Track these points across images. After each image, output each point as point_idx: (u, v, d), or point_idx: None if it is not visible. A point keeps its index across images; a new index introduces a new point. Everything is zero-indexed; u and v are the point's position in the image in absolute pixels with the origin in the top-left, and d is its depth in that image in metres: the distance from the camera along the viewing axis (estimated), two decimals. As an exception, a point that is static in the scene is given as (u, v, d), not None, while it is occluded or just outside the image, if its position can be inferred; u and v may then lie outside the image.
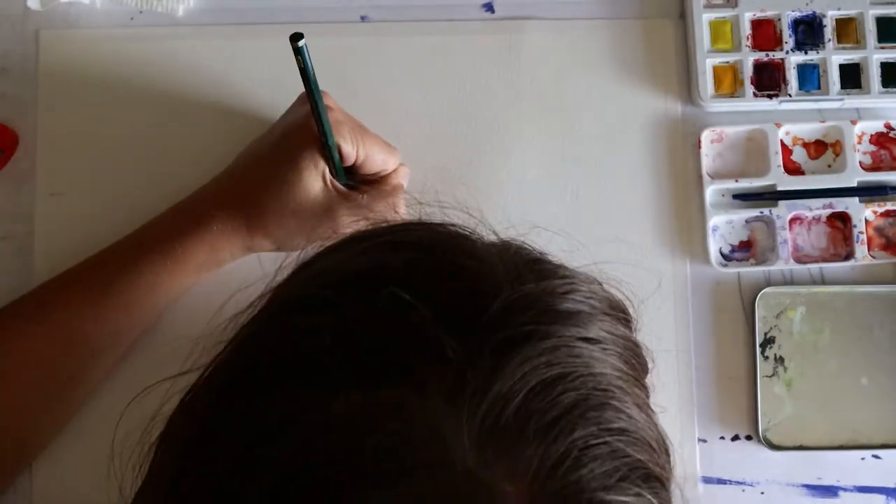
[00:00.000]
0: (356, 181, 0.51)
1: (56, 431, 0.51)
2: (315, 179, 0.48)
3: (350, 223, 0.48)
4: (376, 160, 0.51)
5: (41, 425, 0.50)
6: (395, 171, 0.52)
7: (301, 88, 0.47)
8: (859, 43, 0.58)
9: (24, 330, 0.49)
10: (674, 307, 0.56)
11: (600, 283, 0.36)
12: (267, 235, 0.50)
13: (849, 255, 0.57)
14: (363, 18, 0.59)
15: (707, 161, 0.58)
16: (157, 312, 0.51)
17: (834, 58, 0.58)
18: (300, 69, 0.45)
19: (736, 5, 0.58)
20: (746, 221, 0.58)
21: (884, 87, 0.58)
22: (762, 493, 0.55)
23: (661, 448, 0.33)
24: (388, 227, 0.36)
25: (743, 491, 0.55)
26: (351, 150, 0.49)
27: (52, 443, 0.53)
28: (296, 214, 0.48)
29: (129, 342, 0.51)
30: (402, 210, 0.50)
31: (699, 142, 0.58)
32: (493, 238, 0.36)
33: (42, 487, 0.54)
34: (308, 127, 0.48)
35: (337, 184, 0.50)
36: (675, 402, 0.56)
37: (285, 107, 0.58)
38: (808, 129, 0.58)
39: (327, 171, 0.49)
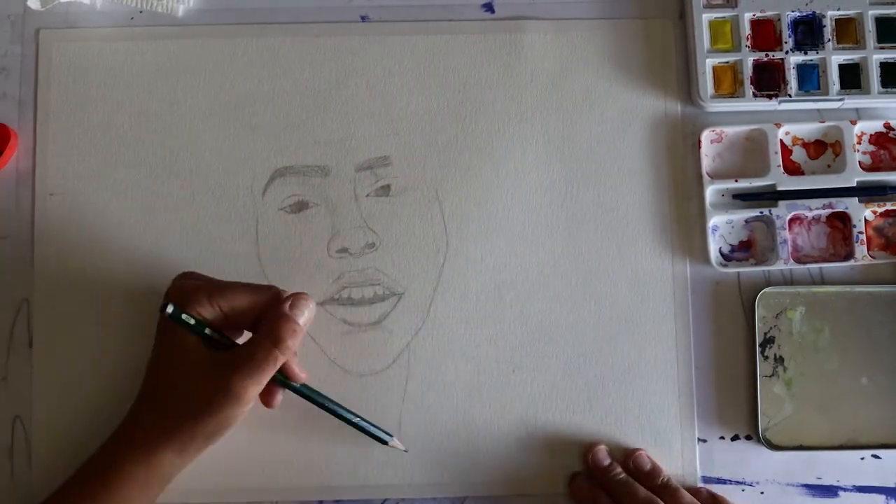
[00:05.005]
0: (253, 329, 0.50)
1: None
2: (191, 350, 0.48)
3: (244, 385, 0.46)
4: (240, 303, 0.49)
5: None
6: (277, 305, 0.49)
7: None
8: (859, 43, 0.58)
9: None
10: (674, 307, 0.56)
11: None
12: (188, 440, 0.48)
13: (848, 255, 0.57)
14: (363, 18, 0.59)
15: (707, 161, 0.58)
16: None
17: (834, 58, 0.58)
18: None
19: (736, 5, 0.58)
20: (746, 221, 0.58)
21: (883, 87, 0.58)
22: (762, 492, 0.55)
23: None
24: None
25: (743, 491, 0.55)
26: (210, 310, 0.48)
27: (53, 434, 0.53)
28: (200, 411, 0.47)
29: None
30: (289, 342, 0.47)
31: (699, 142, 0.58)
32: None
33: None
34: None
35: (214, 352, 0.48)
36: (675, 402, 0.56)
37: (285, 106, 0.58)
38: (808, 129, 0.58)
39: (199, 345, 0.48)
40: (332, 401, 0.52)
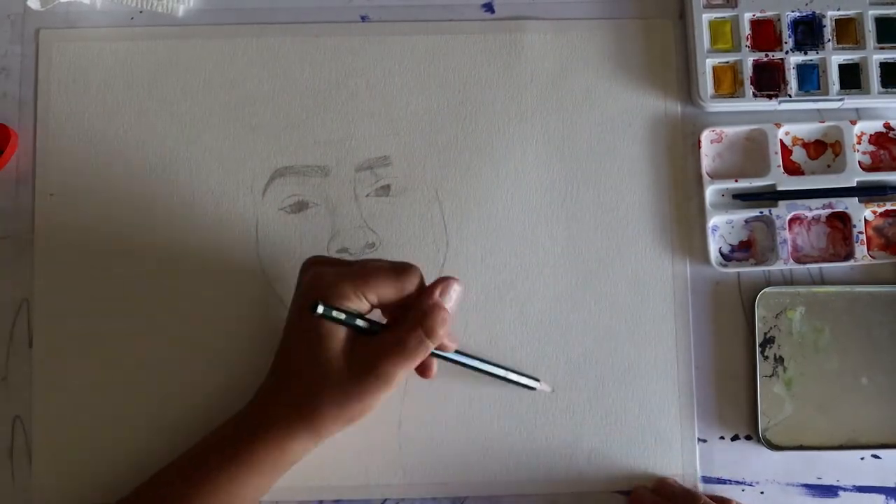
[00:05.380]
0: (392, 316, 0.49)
1: None
2: (336, 342, 0.47)
3: (394, 371, 0.46)
4: (387, 294, 0.47)
5: None
6: (426, 292, 0.48)
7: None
8: (859, 43, 0.58)
9: None
10: (674, 307, 0.56)
11: None
12: (330, 423, 0.47)
13: (848, 255, 0.57)
14: (363, 18, 0.59)
15: (707, 161, 0.58)
16: None
17: (833, 58, 0.58)
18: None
19: (736, 5, 0.58)
20: (746, 221, 0.58)
21: (883, 87, 0.58)
22: (762, 492, 0.55)
23: None
24: None
25: (743, 491, 0.55)
26: (358, 302, 0.47)
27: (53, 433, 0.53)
28: (346, 393, 0.47)
29: None
30: (440, 331, 0.47)
31: (699, 142, 0.58)
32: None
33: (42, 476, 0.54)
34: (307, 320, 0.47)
35: (367, 345, 0.47)
36: (675, 402, 0.56)
37: (285, 106, 0.58)
38: (808, 129, 0.58)
39: (346, 339, 0.47)
40: (482, 360, 0.52)
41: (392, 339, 0.47)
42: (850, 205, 0.57)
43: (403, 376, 0.47)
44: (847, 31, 0.58)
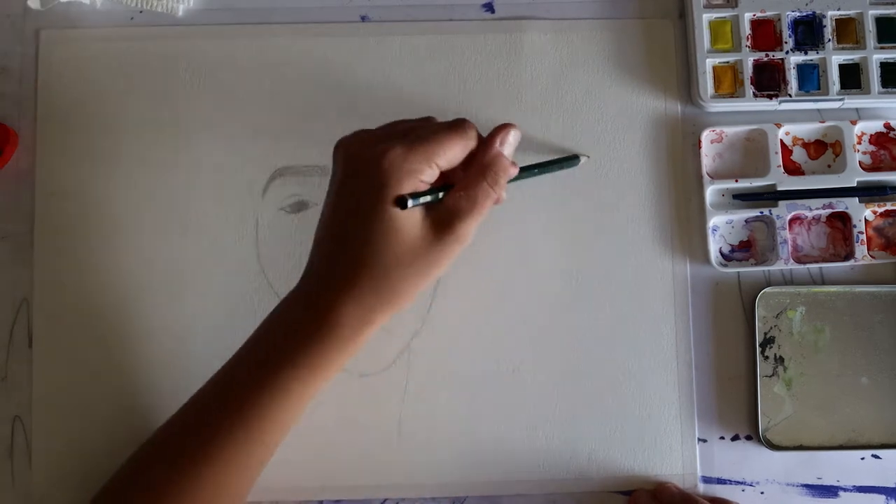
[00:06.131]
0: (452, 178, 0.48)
1: None
2: (411, 222, 0.45)
3: (470, 228, 0.46)
4: (455, 155, 0.47)
5: None
6: (486, 144, 0.48)
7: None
8: (859, 43, 0.58)
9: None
10: (674, 307, 0.56)
11: None
12: (411, 295, 0.46)
13: (848, 255, 0.57)
14: (363, 18, 0.59)
15: (707, 161, 0.58)
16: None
17: (834, 58, 0.58)
18: None
19: (736, 5, 0.58)
20: (746, 221, 0.58)
21: (883, 87, 0.58)
22: (762, 492, 0.55)
23: None
24: None
25: (743, 491, 0.55)
26: (430, 173, 0.46)
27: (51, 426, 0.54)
28: (427, 262, 0.46)
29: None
30: (503, 181, 0.47)
31: (699, 142, 0.58)
32: None
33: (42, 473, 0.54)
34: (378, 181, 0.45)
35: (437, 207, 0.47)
36: (675, 402, 0.56)
37: (285, 106, 0.58)
38: (808, 129, 0.58)
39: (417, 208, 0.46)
40: (528, 167, 0.52)
41: (461, 198, 0.46)
42: (851, 205, 0.57)
43: (476, 228, 0.47)
44: (847, 31, 0.58)
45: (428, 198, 0.45)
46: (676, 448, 0.55)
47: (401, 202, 0.44)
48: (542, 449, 0.55)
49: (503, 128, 0.48)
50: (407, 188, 0.44)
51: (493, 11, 0.59)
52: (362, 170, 0.45)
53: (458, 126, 0.47)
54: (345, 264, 0.45)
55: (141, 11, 0.59)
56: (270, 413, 0.45)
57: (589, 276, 0.57)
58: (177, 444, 0.46)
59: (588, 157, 0.56)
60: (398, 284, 0.45)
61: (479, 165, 0.47)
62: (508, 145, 0.48)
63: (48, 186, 0.57)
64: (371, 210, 0.45)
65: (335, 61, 0.58)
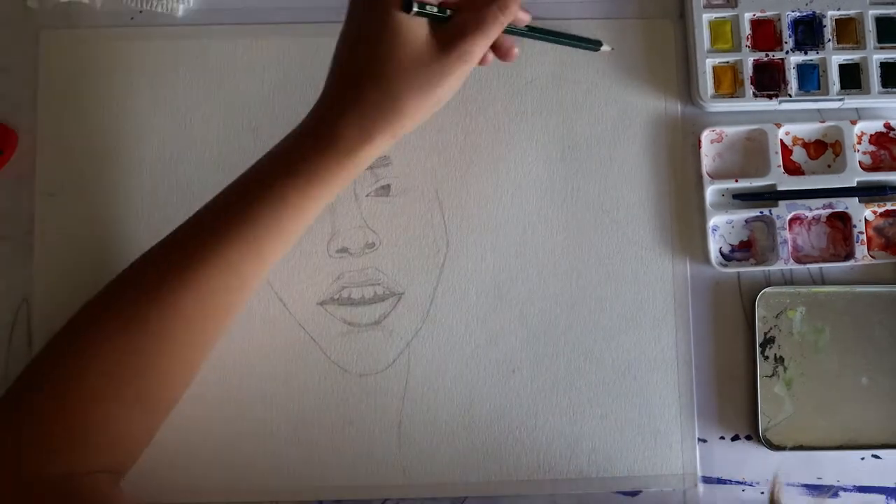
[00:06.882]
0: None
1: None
2: (417, 32, 0.46)
3: (475, 48, 0.46)
4: None
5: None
6: None
7: None
8: (859, 43, 0.58)
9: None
10: (674, 307, 0.56)
11: None
12: (412, 114, 0.47)
13: (849, 255, 0.57)
14: (363, 18, 0.59)
15: (707, 161, 0.58)
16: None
17: (834, 58, 0.58)
18: None
19: (736, 5, 0.58)
20: (746, 221, 0.58)
21: (883, 87, 0.58)
22: (762, 493, 0.55)
23: None
24: None
25: (743, 491, 0.55)
26: None
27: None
28: (429, 79, 0.46)
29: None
30: (514, 5, 0.47)
31: (699, 142, 0.58)
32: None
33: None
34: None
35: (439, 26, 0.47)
36: (675, 402, 0.56)
37: (285, 105, 0.58)
38: (808, 129, 0.58)
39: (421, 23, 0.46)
40: (548, 31, 0.52)
41: (469, 17, 0.47)
42: (851, 205, 0.57)
43: (482, 52, 0.47)
44: (847, 30, 0.58)
45: (435, 9, 0.46)
46: (676, 448, 0.55)
47: (406, 5, 0.45)
48: (542, 449, 0.55)
49: None
50: None
51: (493, 11, 0.59)
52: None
53: None
54: (350, 76, 0.46)
55: (141, 11, 0.59)
56: (267, 221, 0.46)
57: (589, 276, 0.57)
58: (167, 253, 0.47)
59: (612, 48, 0.56)
60: (400, 98, 0.46)
61: None
62: None
63: (48, 186, 0.57)
64: (377, 17, 0.46)
65: (335, 61, 0.58)
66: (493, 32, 0.47)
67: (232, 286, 0.47)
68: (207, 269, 0.46)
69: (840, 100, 0.58)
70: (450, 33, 0.47)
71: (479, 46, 0.47)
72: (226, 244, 0.46)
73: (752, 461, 0.55)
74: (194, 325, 0.46)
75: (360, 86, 0.46)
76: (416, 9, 0.45)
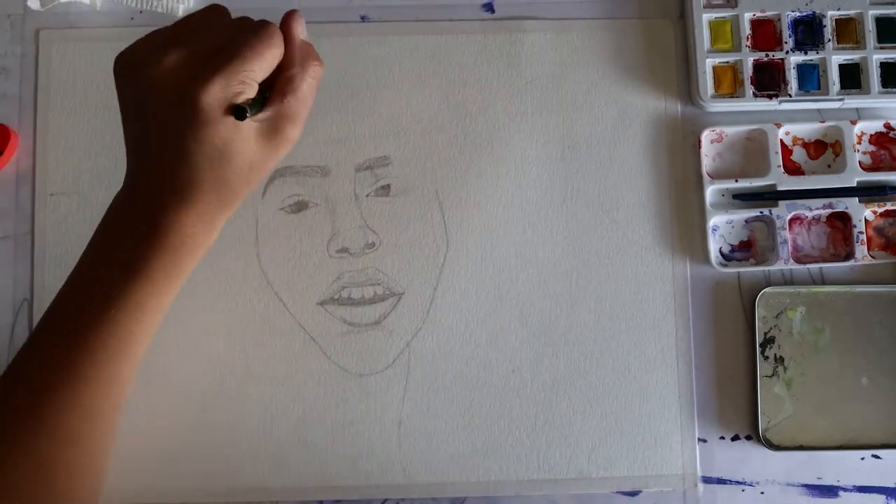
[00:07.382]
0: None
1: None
2: (247, 138, 0.44)
3: (301, 126, 0.45)
4: (270, 65, 0.44)
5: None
6: (289, 42, 0.45)
7: None
8: (859, 43, 0.58)
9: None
10: (674, 307, 0.56)
11: None
12: (243, 196, 0.46)
13: (849, 255, 0.57)
14: (363, 18, 0.59)
15: (707, 161, 0.58)
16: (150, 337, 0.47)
17: (834, 58, 0.58)
18: None
19: (736, 5, 0.58)
20: (746, 221, 0.58)
21: (883, 87, 0.58)
22: (762, 492, 0.55)
23: None
24: None
25: (743, 491, 0.55)
26: (252, 88, 0.43)
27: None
28: (260, 168, 0.45)
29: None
30: (318, 70, 0.45)
31: (699, 142, 0.58)
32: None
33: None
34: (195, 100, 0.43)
35: (256, 116, 0.44)
36: (675, 402, 0.56)
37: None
38: (808, 129, 0.58)
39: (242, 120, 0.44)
40: None
41: (290, 102, 0.44)
42: (851, 205, 0.57)
43: (297, 133, 0.45)
44: (847, 30, 0.58)
45: (258, 107, 0.44)
46: (676, 448, 0.55)
47: (237, 112, 0.42)
48: (542, 449, 0.55)
49: (292, 16, 0.46)
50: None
51: (493, 11, 0.59)
52: (179, 106, 0.44)
53: (263, 34, 0.44)
54: (189, 184, 0.44)
55: (141, 11, 0.59)
56: (125, 332, 0.45)
57: (589, 276, 0.57)
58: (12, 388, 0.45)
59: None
60: (239, 190, 0.45)
61: (293, 63, 0.45)
62: (303, 30, 0.46)
63: (48, 186, 0.57)
64: (198, 134, 0.43)
65: (335, 61, 0.58)
66: (311, 100, 0.45)
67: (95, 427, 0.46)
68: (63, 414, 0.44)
69: (840, 100, 0.58)
70: (276, 122, 0.45)
71: (301, 122, 0.45)
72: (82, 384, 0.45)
73: (752, 461, 0.56)
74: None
75: (202, 192, 0.44)
76: (249, 114, 0.43)
